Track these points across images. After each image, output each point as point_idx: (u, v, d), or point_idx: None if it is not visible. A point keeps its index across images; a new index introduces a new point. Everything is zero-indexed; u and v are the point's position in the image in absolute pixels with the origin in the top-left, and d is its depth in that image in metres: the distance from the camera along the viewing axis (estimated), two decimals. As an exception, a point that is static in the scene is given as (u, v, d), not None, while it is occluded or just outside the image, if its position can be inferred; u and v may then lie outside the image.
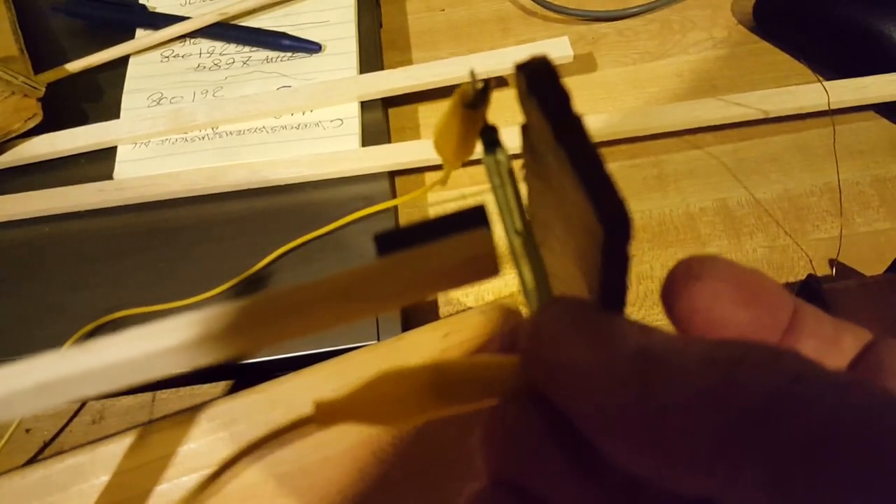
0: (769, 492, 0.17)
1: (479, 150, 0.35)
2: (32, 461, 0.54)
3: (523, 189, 0.30)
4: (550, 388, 0.23)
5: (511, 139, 0.29)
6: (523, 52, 0.69)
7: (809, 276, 0.56)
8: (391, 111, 0.73)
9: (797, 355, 0.19)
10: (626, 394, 0.20)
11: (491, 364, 0.26)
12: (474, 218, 0.26)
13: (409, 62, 0.77)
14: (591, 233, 0.22)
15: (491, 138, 0.32)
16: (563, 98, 0.24)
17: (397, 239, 0.25)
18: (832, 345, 0.25)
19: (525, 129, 0.28)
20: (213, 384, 0.56)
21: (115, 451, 0.52)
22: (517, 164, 0.30)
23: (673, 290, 0.25)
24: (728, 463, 0.18)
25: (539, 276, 0.28)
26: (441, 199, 0.66)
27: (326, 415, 0.26)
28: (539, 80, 0.25)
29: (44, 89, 0.69)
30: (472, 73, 0.35)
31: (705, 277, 0.24)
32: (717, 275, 0.24)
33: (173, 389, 0.56)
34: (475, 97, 0.35)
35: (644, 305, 0.59)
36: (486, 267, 0.25)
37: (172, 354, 0.24)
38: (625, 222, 0.21)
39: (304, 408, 0.44)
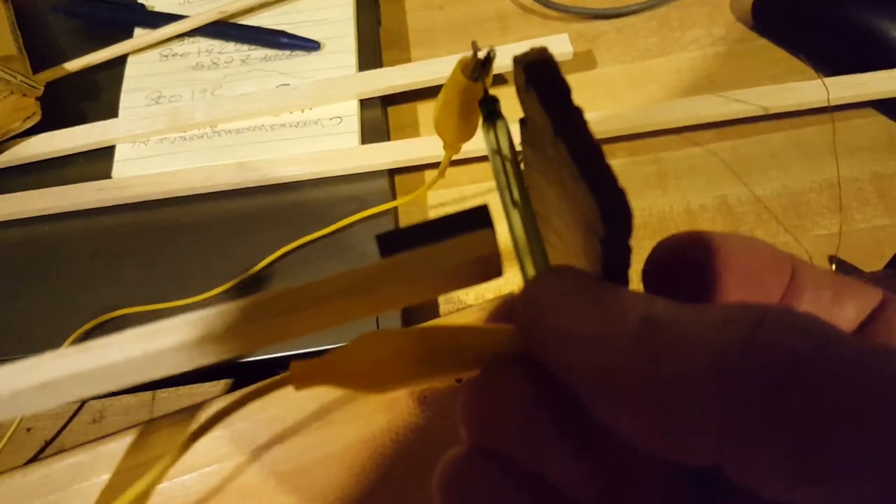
0: (787, 461, 0.17)
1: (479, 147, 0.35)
2: (33, 460, 0.54)
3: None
4: (548, 354, 0.22)
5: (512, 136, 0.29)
6: (523, 50, 0.69)
7: (810, 272, 0.56)
8: (390, 109, 0.73)
9: (816, 318, 0.18)
10: (633, 359, 0.19)
11: (479, 331, 0.25)
12: (477, 218, 0.26)
13: (407, 60, 0.77)
14: (592, 226, 0.22)
15: (491, 109, 0.32)
16: (562, 91, 0.24)
17: (400, 239, 0.25)
18: (829, 313, 0.24)
19: (524, 123, 0.28)
20: (213, 383, 0.56)
21: (115, 449, 0.52)
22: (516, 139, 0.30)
23: (652, 277, 0.24)
24: (745, 431, 0.17)
25: (536, 249, 0.28)
26: (440, 198, 0.66)
27: (303, 376, 0.26)
28: (538, 73, 0.25)
29: (42, 88, 0.69)
30: (474, 44, 0.35)
31: (688, 263, 0.24)
32: (700, 259, 0.24)
33: (173, 388, 0.56)
34: (476, 67, 0.35)
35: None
36: (490, 268, 0.25)
37: (174, 354, 0.24)
38: (626, 215, 0.21)
39: (305, 405, 0.43)
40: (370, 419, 0.50)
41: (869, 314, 0.24)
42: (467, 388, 0.24)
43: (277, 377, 0.28)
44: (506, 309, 0.28)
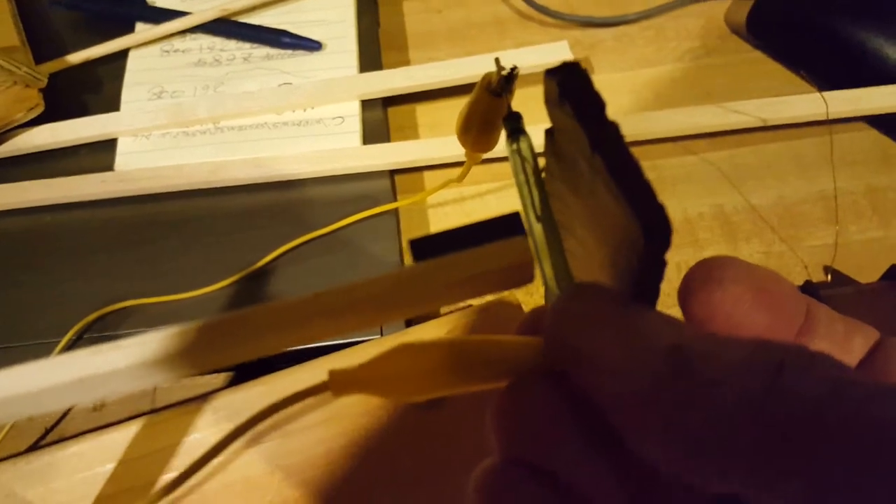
0: (805, 498, 0.18)
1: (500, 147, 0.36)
2: (35, 447, 0.55)
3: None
4: (575, 374, 0.23)
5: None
6: (524, 56, 0.70)
7: (807, 282, 0.57)
8: (389, 110, 0.73)
9: (831, 360, 0.19)
10: (659, 393, 0.20)
11: (508, 344, 0.26)
12: (509, 225, 0.26)
13: (406, 62, 0.77)
14: (628, 240, 0.23)
15: (515, 126, 0.32)
16: (597, 105, 0.24)
17: (433, 245, 0.26)
18: (842, 345, 0.25)
19: (550, 135, 0.29)
20: (214, 375, 0.57)
21: (119, 439, 0.52)
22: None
23: (691, 294, 0.25)
24: (763, 469, 0.18)
25: (559, 262, 0.28)
26: (440, 197, 0.67)
27: (340, 384, 0.26)
28: (573, 87, 0.25)
29: (46, 80, 0.69)
30: (498, 61, 0.36)
31: (725, 282, 0.24)
32: (736, 279, 0.24)
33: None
34: (500, 83, 0.36)
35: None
36: (522, 274, 0.25)
37: (204, 354, 0.25)
38: (665, 229, 0.22)
39: (309, 401, 0.44)
40: (373, 416, 0.51)
41: (872, 346, 0.26)
42: (498, 399, 0.25)
43: (316, 384, 0.28)
44: (533, 321, 0.28)
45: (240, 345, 0.24)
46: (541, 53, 0.71)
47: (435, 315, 0.58)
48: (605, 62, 0.76)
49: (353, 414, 0.51)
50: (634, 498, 0.23)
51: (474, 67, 0.71)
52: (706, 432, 0.19)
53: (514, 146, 0.31)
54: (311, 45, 0.75)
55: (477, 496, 0.24)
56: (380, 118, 0.71)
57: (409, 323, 0.57)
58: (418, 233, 0.64)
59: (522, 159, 0.30)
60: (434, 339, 0.25)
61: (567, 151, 0.27)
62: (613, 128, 0.24)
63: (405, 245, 0.26)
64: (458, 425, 0.50)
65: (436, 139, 0.68)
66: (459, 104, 0.66)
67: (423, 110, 0.74)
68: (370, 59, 0.75)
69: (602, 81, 0.74)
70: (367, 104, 0.71)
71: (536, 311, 0.28)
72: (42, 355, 0.25)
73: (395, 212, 0.65)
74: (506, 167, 0.64)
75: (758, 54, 0.76)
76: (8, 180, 0.67)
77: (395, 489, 0.49)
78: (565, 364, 0.23)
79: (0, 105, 0.67)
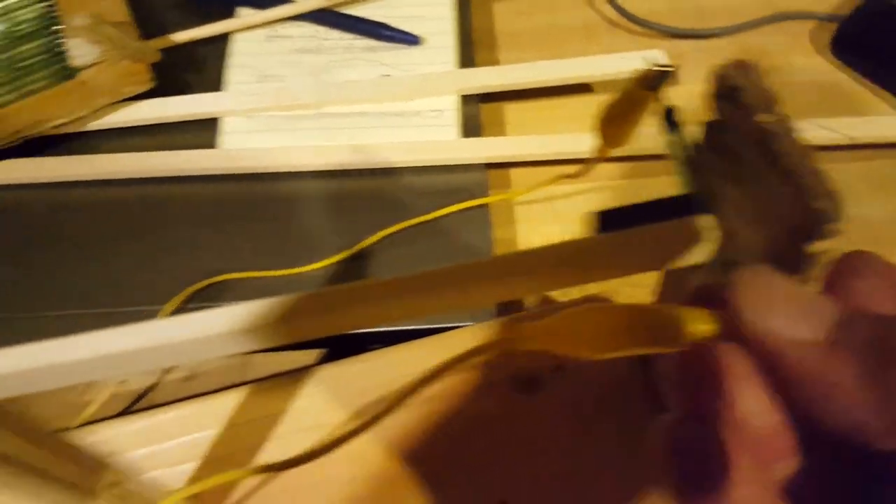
0: None
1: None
2: (127, 412, 0.56)
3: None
4: (755, 342, 0.25)
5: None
6: (618, 62, 0.72)
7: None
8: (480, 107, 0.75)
9: None
10: (844, 357, 0.22)
11: (680, 313, 0.27)
12: (683, 205, 0.28)
13: (495, 62, 0.79)
14: (797, 224, 0.25)
15: (673, 118, 0.34)
16: (770, 99, 0.27)
17: (619, 218, 0.28)
18: None
19: (711, 128, 0.31)
20: (307, 352, 0.58)
21: (220, 406, 0.54)
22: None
23: (836, 279, 0.27)
24: None
25: (721, 245, 0.30)
26: (527, 195, 0.68)
27: (527, 337, 0.28)
28: (745, 81, 0.27)
29: (159, 55, 0.71)
30: (654, 57, 0.38)
31: (868, 273, 0.26)
32: (877, 272, 0.26)
33: (266, 354, 0.58)
34: (656, 78, 0.38)
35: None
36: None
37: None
38: (838, 213, 0.24)
39: (409, 378, 0.45)
40: (474, 398, 0.53)
41: None
42: (680, 361, 0.27)
43: (500, 339, 0.30)
44: (701, 295, 0.30)
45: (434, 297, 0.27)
46: (634, 61, 0.73)
47: (519, 308, 0.60)
48: (689, 73, 0.77)
49: (457, 394, 0.53)
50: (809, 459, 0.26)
51: (568, 70, 0.72)
52: (883, 395, 0.21)
53: (673, 137, 0.33)
54: (411, 39, 0.76)
55: (664, 448, 0.26)
56: (475, 114, 0.72)
57: (500, 312, 0.59)
58: (506, 227, 0.66)
59: (680, 150, 0.32)
60: (616, 304, 0.27)
61: (730, 143, 0.29)
62: (786, 119, 0.26)
63: (593, 216, 0.28)
64: (552, 409, 0.52)
65: (530, 137, 0.71)
66: (547, 105, 0.68)
67: (511, 109, 0.75)
68: (466, 56, 0.77)
69: (688, 91, 0.76)
70: (465, 99, 0.73)
71: (702, 287, 0.30)
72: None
73: (487, 205, 0.66)
74: (594, 169, 0.65)
75: (842, 75, 0.77)
76: (115, 151, 0.70)
77: (494, 467, 0.51)
78: (747, 332, 0.25)
79: (110, 78, 0.69)
